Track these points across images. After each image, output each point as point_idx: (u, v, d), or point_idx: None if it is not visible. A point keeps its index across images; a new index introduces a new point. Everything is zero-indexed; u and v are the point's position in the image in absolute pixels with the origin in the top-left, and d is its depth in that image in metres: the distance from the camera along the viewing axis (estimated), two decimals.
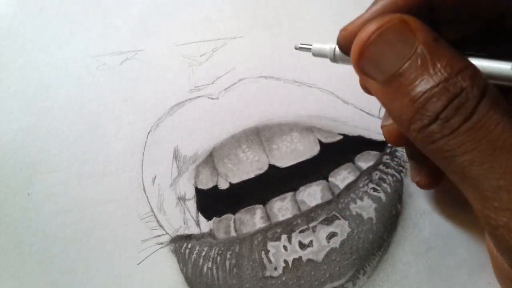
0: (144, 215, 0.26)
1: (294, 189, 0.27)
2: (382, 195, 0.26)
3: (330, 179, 0.27)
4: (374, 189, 0.26)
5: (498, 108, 0.15)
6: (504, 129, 0.14)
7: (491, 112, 0.15)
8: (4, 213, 0.26)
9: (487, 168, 0.15)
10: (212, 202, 0.27)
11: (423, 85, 0.15)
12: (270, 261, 0.25)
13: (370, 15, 0.18)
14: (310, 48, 0.22)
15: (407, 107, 0.16)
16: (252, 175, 0.28)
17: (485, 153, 0.15)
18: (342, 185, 0.27)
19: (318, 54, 0.22)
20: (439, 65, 0.15)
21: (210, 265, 0.25)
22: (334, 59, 0.21)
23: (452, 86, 0.15)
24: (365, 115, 0.28)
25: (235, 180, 0.27)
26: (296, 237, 0.26)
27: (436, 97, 0.15)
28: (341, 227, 0.26)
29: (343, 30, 0.19)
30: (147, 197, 0.27)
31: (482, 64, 0.17)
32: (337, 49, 0.20)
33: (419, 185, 0.24)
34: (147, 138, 0.28)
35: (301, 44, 0.23)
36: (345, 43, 0.19)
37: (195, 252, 0.26)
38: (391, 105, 0.17)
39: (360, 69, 0.18)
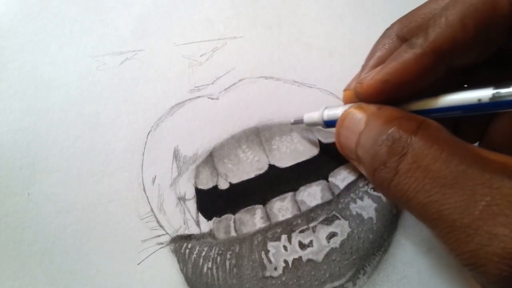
0: (144, 215, 0.26)
1: (294, 189, 0.27)
2: None
3: (330, 179, 0.27)
4: (375, 189, 0.26)
5: (437, 143, 0.16)
6: (443, 165, 0.15)
7: (427, 149, 0.16)
8: (4, 213, 0.26)
9: (439, 206, 0.15)
10: (212, 202, 0.27)
11: (374, 143, 0.18)
12: (270, 261, 0.25)
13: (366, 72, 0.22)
14: (302, 120, 0.26)
15: (368, 165, 0.18)
16: (252, 175, 0.28)
17: (433, 191, 0.15)
18: (342, 185, 0.27)
19: (310, 123, 0.26)
20: (378, 123, 0.18)
21: (210, 265, 0.25)
22: (324, 125, 0.24)
23: (390, 134, 0.17)
24: None
25: (235, 180, 0.27)
26: (296, 237, 0.26)
27: (382, 147, 0.17)
28: (341, 227, 0.26)
29: (345, 90, 0.23)
30: (147, 197, 0.27)
31: (452, 98, 0.18)
32: (325, 114, 0.24)
33: None
34: (147, 138, 0.28)
35: (294, 118, 0.27)
36: (350, 100, 0.22)
37: (195, 252, 0.26)
38: (363, 166, 0.19)
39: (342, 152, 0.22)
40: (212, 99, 0.29)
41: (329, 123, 0.24)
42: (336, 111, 0.22)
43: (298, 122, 0.27)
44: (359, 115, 0.20)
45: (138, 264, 0.25)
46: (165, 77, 0.29)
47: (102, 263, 0.25)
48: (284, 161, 0.28)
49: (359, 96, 0.21)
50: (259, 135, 0.28)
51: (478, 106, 0.17)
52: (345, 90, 0.23)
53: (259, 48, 0.30)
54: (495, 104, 0.17)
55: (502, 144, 0.21)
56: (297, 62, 0.30)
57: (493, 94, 0.17)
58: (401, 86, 0.19)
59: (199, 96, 0.29)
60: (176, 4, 0.32)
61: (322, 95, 0.29)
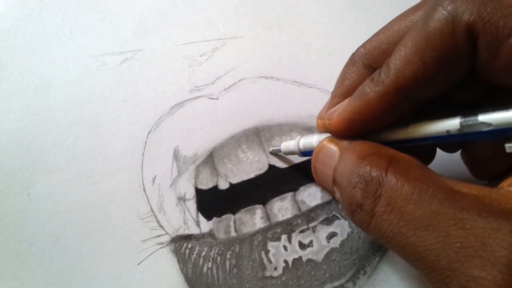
0: (144, 215, 0.26)
1: (294, 189, 0.27)
2: None
3: None
4: None
5: (407, 180, 0.16)
6: (415, 206, 0.15)
7: (399, 190, 0.16)
8: (4, 213, 0.26)
9: (416, 248, 0.15)
10: (212, 202, 0.27)
11: (348, 184, 0.18)
12: (270, 261, 0.25)
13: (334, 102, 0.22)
14: (280, 149, 0.26)
15: (346, 207, 0.18)
16: (252, 175, 0.28)
17: (408, 234, 0.15)
18: None
19: (287, 152, 0.26)
20: (351, 161, 0.18)
21: (210, 265, 0.25)
22: (300, 153, 0.25)
23: (362, 176, 0.17)
24: None
25: (235, 180, 0.27)
26: (296, 237, 0.26)
27: (356, 189, 0.17)
28: (341, 227, 0.26)
29: (318, 118, 0.23)
30: (147, 197, 0.27)
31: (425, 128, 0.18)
32: (300, 144, 0.24)
33: None
34: (147, 138, 0.28)
35: (272, 148, 0.28)
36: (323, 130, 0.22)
37: (195, 252, 0.26)
38: (342, 205, 0.19)
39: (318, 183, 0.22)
40: (212, 99, 0.29)
41: (305, 153, 0.24)
42: (311, 140, 0.23)
43: (275, 151, 0.27)
44: (332, 149, 0.20)
45: (138, 264, 0.25)
46: (165, 77, 0.29)
47: (102, 263, 0.25)
48: (284, 161, 0.28)
49: (329, 132, 0.21)
50: (259, 135, 0.28)
51: (448, 137, 0.17)
52: (318, 118, 0.23)
53: (259, 48, 0.30)
54: (464, 135, 0.16)
55: (483, 148, 0.21)
56: (297, 62, 0.30)
57: (461, 124, 0.16)
58: (368, 122, 0.19)
59: (199, 96, 0.29)
60: (176, 4, 0.32)
61: (322, 95, 0.29)
